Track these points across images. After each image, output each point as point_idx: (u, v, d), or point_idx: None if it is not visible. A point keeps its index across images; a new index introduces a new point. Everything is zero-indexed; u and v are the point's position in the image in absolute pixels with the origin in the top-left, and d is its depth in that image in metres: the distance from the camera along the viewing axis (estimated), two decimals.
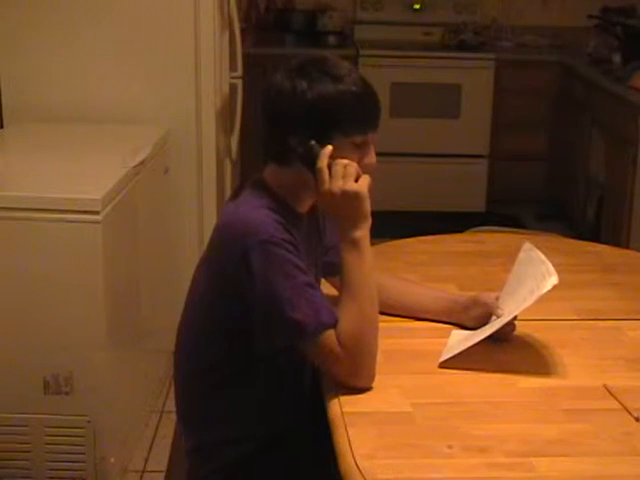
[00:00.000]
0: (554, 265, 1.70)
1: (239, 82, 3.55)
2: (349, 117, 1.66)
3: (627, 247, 3.66)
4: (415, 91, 5.08)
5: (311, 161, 1.64)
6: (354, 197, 1.62)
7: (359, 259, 1.64)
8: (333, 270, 1.83)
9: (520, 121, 5.15)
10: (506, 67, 5.09)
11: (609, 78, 4.41)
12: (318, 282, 1.82)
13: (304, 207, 1.76)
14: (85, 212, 2.42)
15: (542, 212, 5.15)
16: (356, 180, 1.63)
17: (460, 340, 1.80)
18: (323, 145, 1.64)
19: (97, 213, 2.42)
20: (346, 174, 1.62)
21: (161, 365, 3.14)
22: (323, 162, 1.63)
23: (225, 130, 3.50)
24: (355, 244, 1.64)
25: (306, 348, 1.63)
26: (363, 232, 1.64)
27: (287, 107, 1.66)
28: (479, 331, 1.80)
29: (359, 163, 1.67)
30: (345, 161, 1.63)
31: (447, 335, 1.84)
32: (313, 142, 1.64)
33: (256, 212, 1.64)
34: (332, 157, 1.64)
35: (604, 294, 2.13)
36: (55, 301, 2.48)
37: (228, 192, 3.58)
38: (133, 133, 3.11)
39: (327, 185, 1.62)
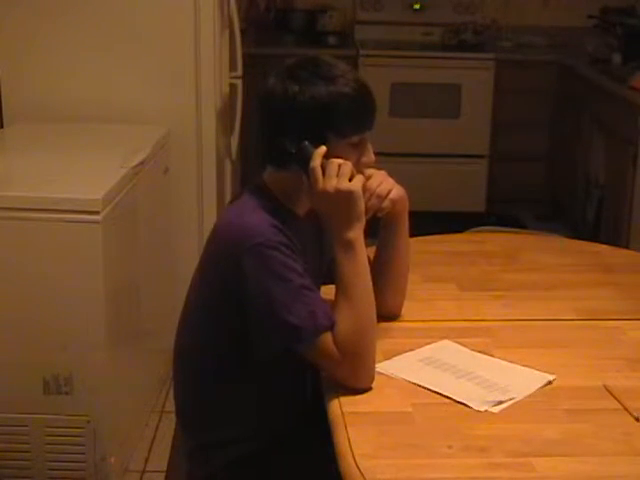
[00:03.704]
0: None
1: (239, 82, 3.55)
2: (343, 119, 1.64)
3: (627, 247, 3.65)
4: (415, 91, 5.08)
5: (305, 162, 1.63)
6: (348, 196, 1.61)
7: (353, 260, 1.62)
8: None
9: (520, 121, 5.14)
10: (506, 67, 5.07)
11: (609, 78, 4.40)
12: (318, 284, 1.80)
13: (303, 209, 1.75)
14: (85, 212, 2.42)
15: (542, 212, 5.14)
16: (350, 179, 1.62)
17: (413, 363, 1.73)
18: (317, 145, 1.63)
19: (97, 213, 2.42)
20: (340, 173, 1.61)
21: (161, 365, 3.13)
22: (316, 162, 1.61)
23: (225, 130, 3.50)
24: (349, 245, 1.62)
25: (304, 351, 1.63)
26: (356, 233, 1.63)
27: (280, 111, 1.65)
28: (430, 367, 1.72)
29: (357, 162, 1.67)
30: (339, 160, 1.62)
31: (447, 336, 1.84)
32: (306, 142, 1.63)
33: (252, 216, 1.63)
34: (328, 158, 1.62)
35: (604, 294, 2.13)
36: (55, 301, 2.48)
37: (228, 192, 3.58)
38: (133, 133, 3.11)
39: (321, 184, 1.61)
